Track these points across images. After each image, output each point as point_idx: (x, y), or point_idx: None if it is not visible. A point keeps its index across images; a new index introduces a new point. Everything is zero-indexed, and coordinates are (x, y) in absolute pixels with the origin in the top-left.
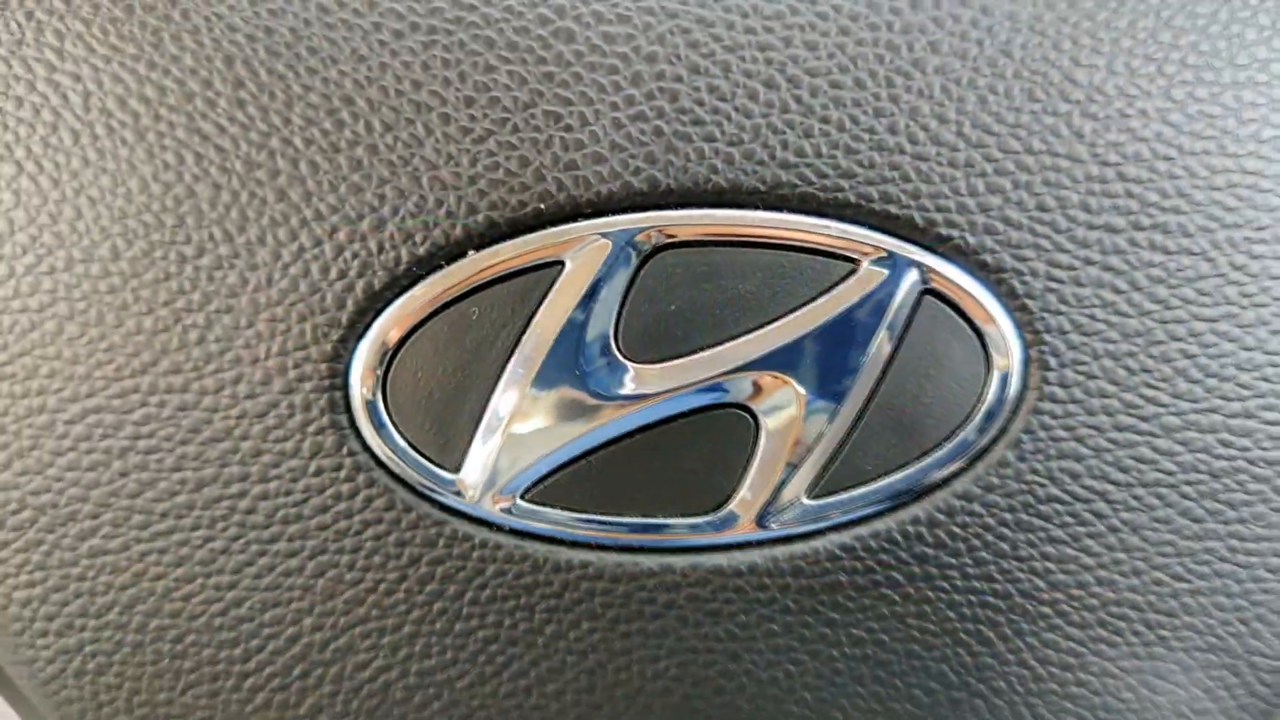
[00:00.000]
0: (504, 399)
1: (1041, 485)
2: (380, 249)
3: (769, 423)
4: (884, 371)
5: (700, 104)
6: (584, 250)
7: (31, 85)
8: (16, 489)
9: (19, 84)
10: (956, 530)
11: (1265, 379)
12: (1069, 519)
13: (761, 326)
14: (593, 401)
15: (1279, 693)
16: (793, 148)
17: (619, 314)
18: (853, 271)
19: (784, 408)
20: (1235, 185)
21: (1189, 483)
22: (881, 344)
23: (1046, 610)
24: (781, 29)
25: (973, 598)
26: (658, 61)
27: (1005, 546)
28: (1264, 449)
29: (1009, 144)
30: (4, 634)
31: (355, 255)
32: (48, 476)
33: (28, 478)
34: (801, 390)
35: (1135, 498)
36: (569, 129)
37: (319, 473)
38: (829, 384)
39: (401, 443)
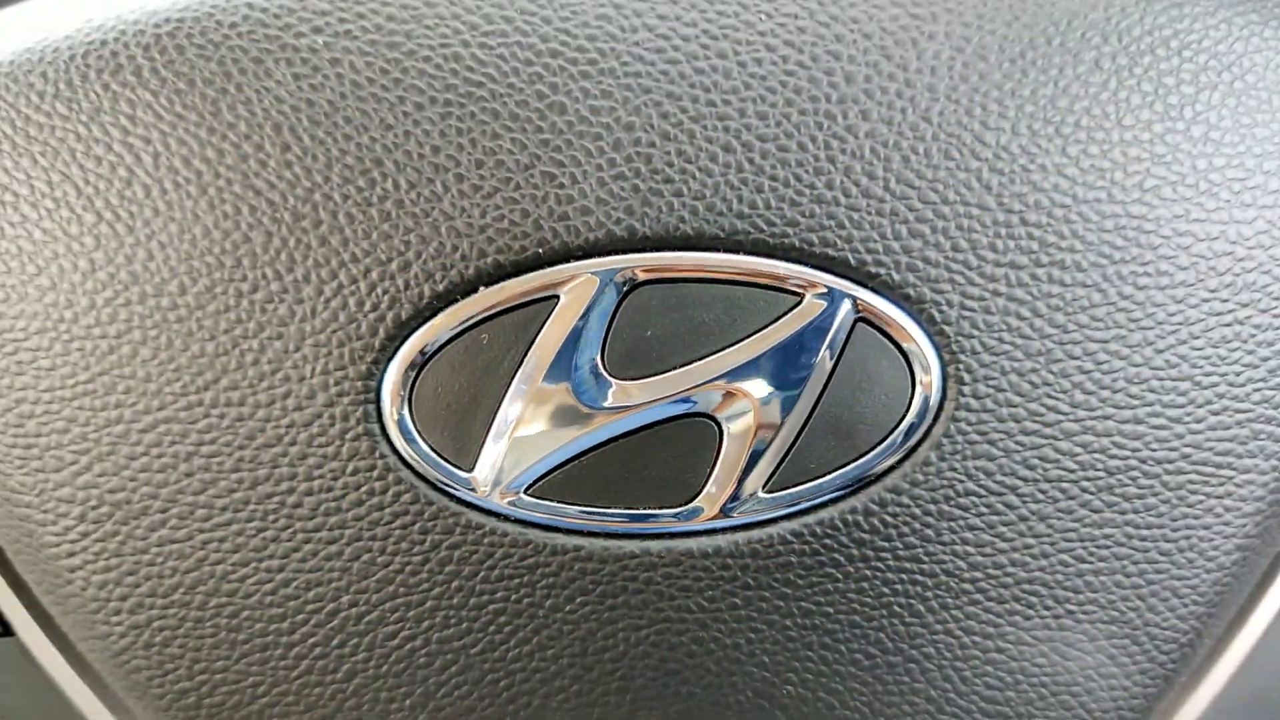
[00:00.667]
0: (510, 409)
1: (960, 481)
2: (406, 286)
3: (730, 429)
4: (825, 385)
5: (670, 165)
6: (575, 286)
7: (109, 147)
8: (96, 488)
9: (99, 145)
10: (889, 518)
11: (1151, 390)
12: (984, 509)
13: (723, 349)
14: (584, 411)
15: (1175, 659)
16: (747, 201)
17: (605, 338)
18: (798, 303)
19: (742, 416)
20: (1122, 228)
21: (1088, 479)
22: (823, 362)
23: (968, 587)
24: (737, 102)
25: (904, 576)
26: (635, 130)
27: (930, 532)
28: (1152, 450)
29: (928, 195)
30: (81, 613)
31: (385, 291)
32: (123, 477)
33: (105, 478)
34: (757, 401)
35: (1041, 491)
36: (562, 186)
37: (355, 473)
38: (780, 396)
39: (424, 447)
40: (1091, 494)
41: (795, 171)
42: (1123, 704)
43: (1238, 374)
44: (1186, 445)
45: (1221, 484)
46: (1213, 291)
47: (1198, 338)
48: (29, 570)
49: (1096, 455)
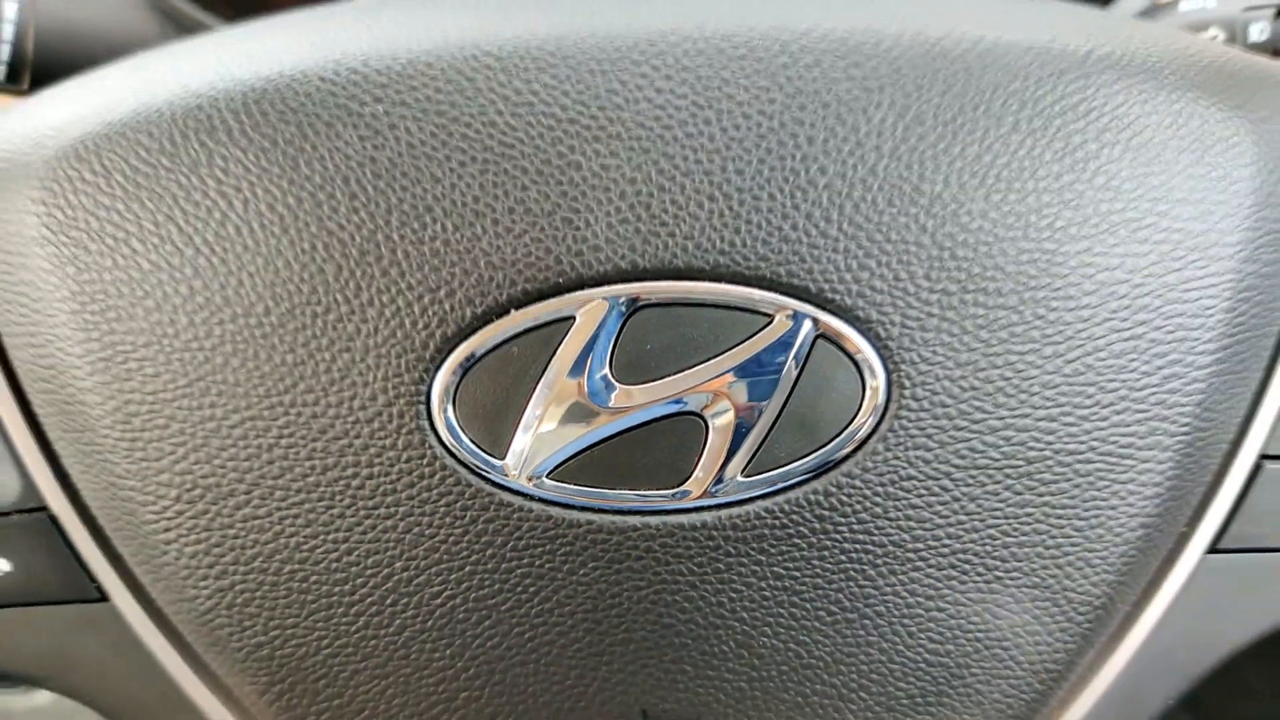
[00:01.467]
0: (535, 408)
1: (903, 467)
2: (451, 309)
3: (714, 424)
4: (792, 389)
5: (665, 211)
6: (588, 309)
7: (206, 194)
8: (190, 474)
9: (197, 193)
10: (845, 499)
11: (1062, 394)
12: (924, 491)
13: (708, 359)
14: (594, 410)
15: (1090, 620)
16: (727, 240)
17: (612, 351)
18: (769, 322)
19: (724, 414)
20: (1036, 260)
21: (1010, 466)
22: (789, 371)
23: (911, 556)
24: (719, 160)
25: (858, 546)
26: (636, 184)
27: (879, 510)
28: (1064, 443)
29: (874, 235)
30: (172, 580)
31: (434, 313)
32: (213, 465)
33: (199, 466)
34: (736, 402)
35: (971, 476)
36: (577, 229)
37: (408, 460)
38: (755, 398)
39: (465, 439)
40: (1014, 479)
41: (766, 216)
42: (1046, 657)
43: (1136, 380)
44: (1094, 439)
45: (1124, 471)
46: (1113, 312)
47: (1101, 350)
48: (125, 544)
49: (1017, 447)
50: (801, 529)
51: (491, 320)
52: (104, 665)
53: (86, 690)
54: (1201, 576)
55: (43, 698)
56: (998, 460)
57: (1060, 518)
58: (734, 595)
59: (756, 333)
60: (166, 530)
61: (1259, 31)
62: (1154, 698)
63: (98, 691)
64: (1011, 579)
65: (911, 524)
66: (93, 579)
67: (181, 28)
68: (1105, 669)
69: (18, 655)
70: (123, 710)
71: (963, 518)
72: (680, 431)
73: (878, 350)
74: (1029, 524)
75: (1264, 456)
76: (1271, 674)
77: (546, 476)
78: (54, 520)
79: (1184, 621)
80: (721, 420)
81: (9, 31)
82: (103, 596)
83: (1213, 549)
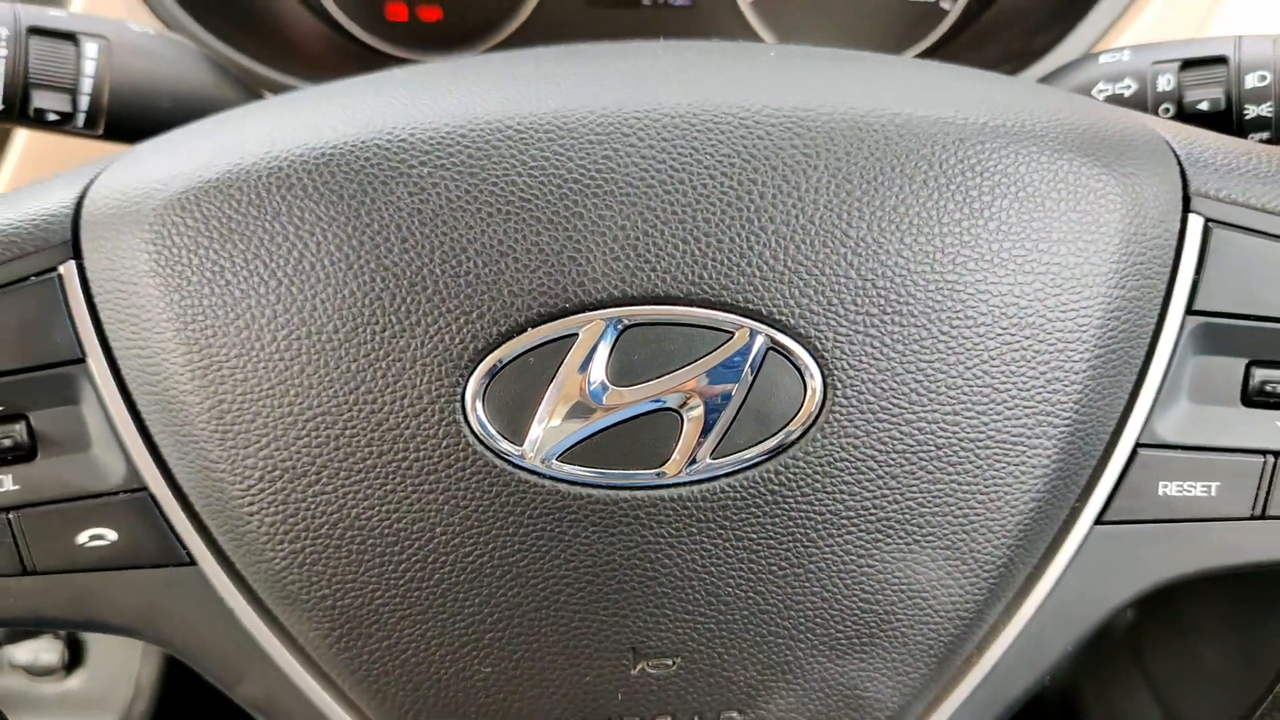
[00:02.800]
0: (546, 406)
1: (837, 451)
2: (481, 328)
3: (687, 418)
4: (749, 390)
5: (649, 251)
6: (588, 327)
7: (285, 237)
8: (271, 459)
9: (278, 236)
10: (791, 477)
11: (964, 394)
12: (854, 470)
13: (683, 367)
14: (593, 407)
15: (995, 578)
16: (698, 274)
17: (607, 360)
18: (730, 337)
19: (695, 410)
20: (941, 289)
21: (923, 451)
22: (746, 375)
23: (844, 522)
24: (691, 211)
25: (802, 514)
26: (626, 230)
27: (819, 485)
28: (967, 433)
29: (811, 270)
30: (252, 546)
31: (468, 332)
32: (290, 451)
33: (279, 452)
34: (704, 401)
35: (891, 459)
36: (580, 266)
37: (447, 447)
38: (719, 397)
39: (492, 430)
40: (926, 460)
41: (728, 255)
42: (959, 607)
43: (1024, 383)
44: (991, 430)
45: (1016, 456)
46: (1004, 329)
47: (995, 360)
48: (212, 518)
49: (929, 435)
50: (757, 501)
51: (512, 337)
52: (190, 619)
53: (174, 640)
54: (1091, 544)
55: (73, 683)
56: (913, 445)
57: (965, 492)
58: (704, 554)
59: (720, 346)
60: (250, 505)
61: (1165, 82)
62: (1054, 646)
63: (184, 641)
64: (927, 541)
65: (845, 496)
66: (183, 547)
67: (227, 74)
68: (1013, 621)
69: (119, 611)
70: (205, 657)
71: (886, 491)
72: (661, 424)
73: (815, 359)
74: (939, 497)
75: (1139, 445)
76: (1211, 612)
77: (555, 459)
78: (153, 498)
79: (1078, 581)
80: (693, 414)
81: (88, 84)
82: (191, 561)
83: (1099, 521)
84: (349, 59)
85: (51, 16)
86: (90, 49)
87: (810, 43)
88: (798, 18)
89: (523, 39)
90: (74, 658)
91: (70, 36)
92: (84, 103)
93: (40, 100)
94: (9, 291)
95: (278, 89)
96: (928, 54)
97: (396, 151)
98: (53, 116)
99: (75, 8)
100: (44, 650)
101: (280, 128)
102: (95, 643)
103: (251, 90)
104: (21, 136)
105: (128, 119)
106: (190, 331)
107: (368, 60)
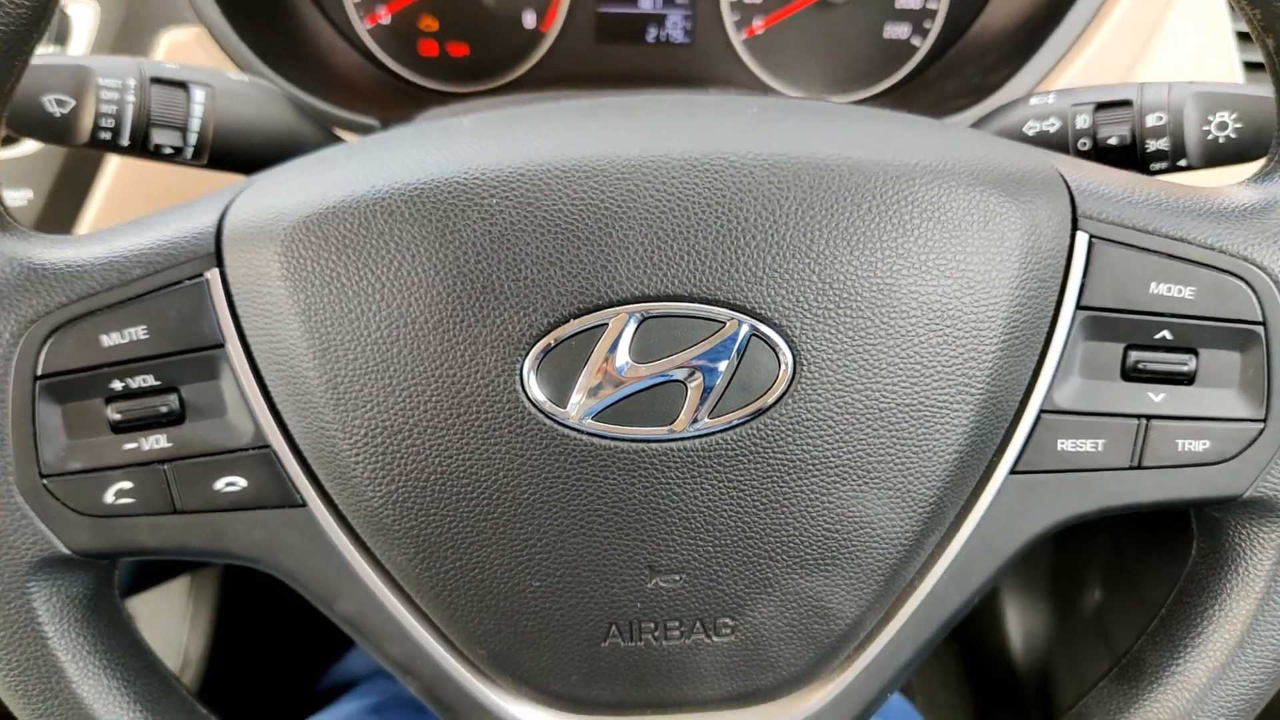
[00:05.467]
0: (584, 378)
1: (804, 414)
2: (535, 320)
3: (690, 387)
4: (736, 367)
5: (663, 262)
6: (616, 318)
7: (388, 251)
8: (374, 419)
9: (382, 251)
10: (769, 434)
11: (900, 370)
12: (817, 428)
13: (687, 349)
14: (619, 379)
15: (929, 513)
16: (698, 279)
17: (630, 343)
18: (723, 326)
19: (696, 381)
20: (883, 292)
21: (870, 413)
22: (734, 355)
23: (810, 468)
24: (691, 231)
25: (777, 462)
26: (645, 245)
27: (790, 440)
28: (903, 399)
29: (785, 276)
30: (354, 488)
31: (526, 322)
32: (388, 414)
33: (381, 413)
34: (703, 374)
35: (846, 419)
36: (610, 272)
37: (509, 410)
38: (714, 373)
39: (542, 397)
40: (873, 421)
41: (721, 265)
42: (902, 536)
43: (946, 361)
44: (922, 397)
45: (944, 418)
46: (930, 321)
47: (923, 343)
48: (322, 468)
49: (874, 401)
50: (743, 451)
51: (559, 325)
52: (299, 550)
53: (287, 568)
54: (1006, 489)
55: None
56: (862, 409)
57: (904, 445)
58: (702, 492)
59: (715, 332)
60: (356, 456)
61: (1082, 120)
62: (980, 572)
63: (295, 569)
64: (875, 483)
65: (810, 448)
66: (297, 491)
67: (303, 112)
68: (947, 551)
69: (245, 544)
70: (309, 581)
71: (842, 444)
72: (670, 392)
73: (787, 343)
74: (884, 449)
75: (1042, 410)
76: (1168, 590)
77: (590, 419)
78: (274, 454)
79: (997, 519)
80: (694, 385)
81: (196, 124)
82: (303, 504)
83: (1013, 471)
84: (390, 91)
85: (167, 68)
86: (198, 95)
87: (797, 75)
88: (786, 54)
89: (541, 72)
90: None
91: (182, 85)
92: (192, 139)
93: (158, 137)
94: (168, 292)
95: (335, 120)
96: (900, 85)
97: (471, 186)
98: (168, 150)
99: (161, 56)
100: None
101: (381, 165)
102: (145, 617)
103: (320, 124)
104: (112, 165)
105: (226, 151)
106: (312, 324)
107: (406, 91)
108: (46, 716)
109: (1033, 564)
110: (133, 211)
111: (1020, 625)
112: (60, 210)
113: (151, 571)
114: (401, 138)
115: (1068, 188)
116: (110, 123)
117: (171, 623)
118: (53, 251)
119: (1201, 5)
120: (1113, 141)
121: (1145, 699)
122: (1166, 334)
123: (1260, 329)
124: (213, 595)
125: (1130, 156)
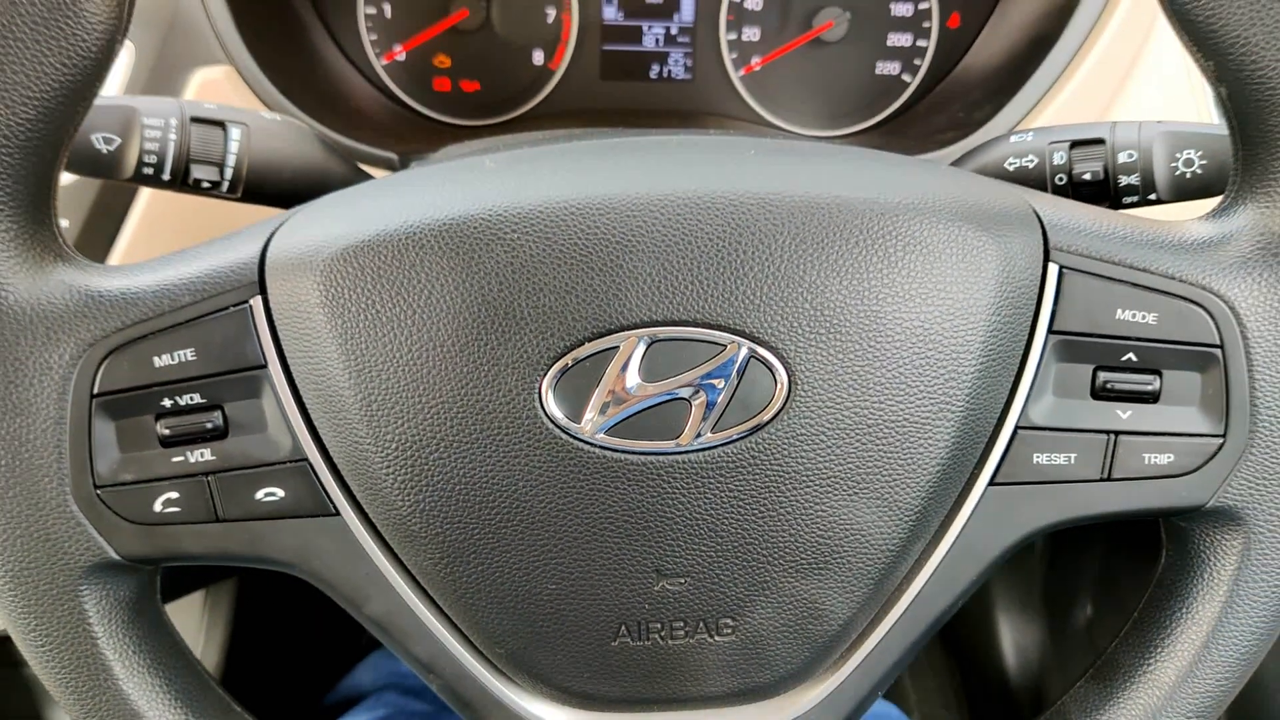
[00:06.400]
0: (597, 395)
1: (799, 429)
2: (553, 342)
3: (694, 405)
4: (736, 386)
5: (669, 290)
6: (627, 341)
7: (418, 281)
8: (404, 434)
9: (414, 281)
10: (766, 448)
11: (886, 389)
12: (811, 442)
13: (692, 369)
14: (629, 397)
15: (916, 519)
16: (701, 306)
17: (640, 364)
18: (724, 349)
19: (699, 399)
20: (866, 316)
21: (859, 428)
22: (734, 375)
23: (804, 479)
24: (695, 264)
25: (774, 474)
26: (653, 276)
27: (786, 453)
28: (889, 415)
29: (780, 303)
30: (384, 498)
31: (545, 344)
32: (418, 429)
33: (410, 429)
34: (706, 393)
35: (837, 434)
36: (621, 299)
37: (529, 425)
38: (716, 391)
39: (559, 414)
40: (861, 436)
41: (723, 293)
42: (889, 542)
43: (928, 382)
44: (906, 414)
45: (927, 433)
46: (913, 344)
47: (906, 365)
48: (354, 479)
49: (863, 418)
50: (743, 464)
51: (575, 348)
52: (333, 556)
53: (320, 573)
54: (986, 499)
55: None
56: (852, 425)
57: (890, 459)
58: (705, 501)
59: (717, 354)
60: (387, 468)
61: (1059, 157)
62: (964, 577)
63: (327, 574)
64: (864, 492)
65: (804, 461)
66: (331, 501)
67: (330, 148)
68: (932, 557)
69: (282, 550)
70: (340, 585)
71: (833, 457)
72: (676, 409)
73: (783, 364)
74: (872, 461)
75: (1019, 426)
76: (1135, 563)
77: (603, 434)
78: (310, 466)
79: (978, 527)
80: (698, 402)
81: (233, 160)
82: (336, 513)
83: (992, 482)
84: (406, 125)
85: (206, 108)
86: (235, 133)
87: (793, 110)
88: (782, 90)
89: (549, 107)
90: None
91: (220, 124)
92: (229, 174)
93: (197, 172)
94: (214, 317)
95: (356, 154)
96: (890, 119)
97: (496, 221)
98: (206, 184)
99: (192, 94)
100: None
101: (412, 201)
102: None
103: (346, 159)
104: (144, 196)
105: (260, 185)
106: (348, 347)
107: (421, 125)
108: (94, 713)
109: (1026, 582)
110: (164, 240)
111: (1014, 642)
112: (95, 238)
113: (177, 583)
114: (430, 176)
115: (1040, 222)
116: (154, 159)
117: (186, 636)
118: (109, 280)
119: (1175, 48)
120: (1087, 177)
121: (1119, 697)
122: (1132, 356)
123: (1218, 351)
124: (227, 611)
125: (1104, 191)
